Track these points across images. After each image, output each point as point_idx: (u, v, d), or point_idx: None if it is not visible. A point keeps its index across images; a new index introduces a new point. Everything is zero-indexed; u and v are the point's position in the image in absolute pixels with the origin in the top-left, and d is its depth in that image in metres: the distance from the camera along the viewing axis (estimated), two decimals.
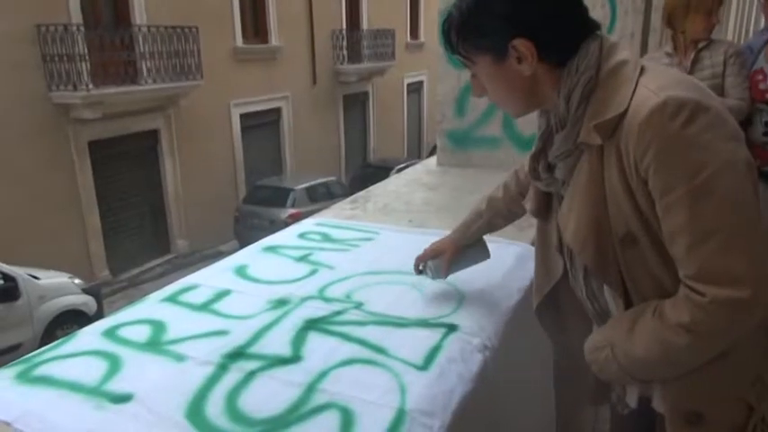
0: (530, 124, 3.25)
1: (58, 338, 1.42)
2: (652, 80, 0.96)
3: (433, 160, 3.55)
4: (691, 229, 0.90)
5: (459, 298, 1.60)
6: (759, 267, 0.89)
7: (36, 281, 7.31)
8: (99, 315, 7.74)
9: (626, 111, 0.95)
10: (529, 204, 1.27)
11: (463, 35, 1.07)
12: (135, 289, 10.64)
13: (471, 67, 1.11)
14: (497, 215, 1.55)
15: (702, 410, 1.05)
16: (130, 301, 1.65)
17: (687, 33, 2.78)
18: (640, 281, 1.03)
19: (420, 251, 1.65)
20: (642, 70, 0.98)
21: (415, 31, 20.85)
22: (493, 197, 1.55)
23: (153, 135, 11.88)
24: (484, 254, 1.65)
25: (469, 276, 1.72)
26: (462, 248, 1.60)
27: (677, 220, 0.91)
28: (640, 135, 0.92)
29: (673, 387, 1.07)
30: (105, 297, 9.25)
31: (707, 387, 1.03)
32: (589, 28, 1.04)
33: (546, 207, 1.23)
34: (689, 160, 0.89)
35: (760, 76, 2.70)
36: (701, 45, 2.80)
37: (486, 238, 1.70)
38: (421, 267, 1.65)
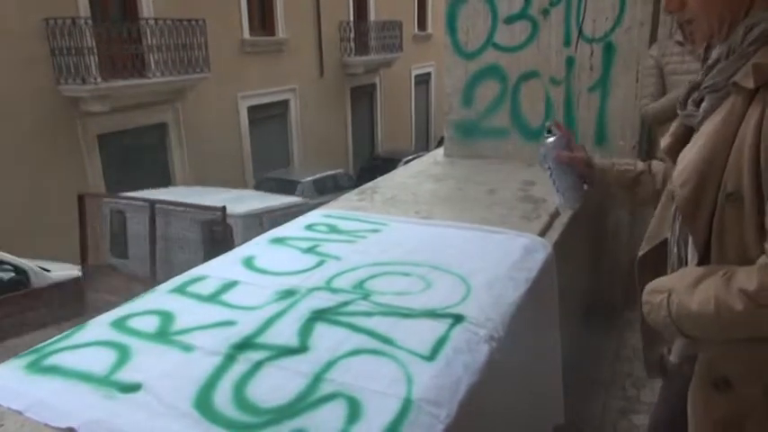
0: (537, 116, 3.25)
1: None
2: None
3: (440, 151, 3.54)
4: None
5: (465, 289, 1.59)
6: None
7: (47, 273, 7.38)
8: None
9: None
10: (665, 140, 1.21)
11: None
12: None
13: None
14: (644, 183, 1.45)
15: (731, 376, 1.05)
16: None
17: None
18: (727, 242, 1.01)
19: (427, 243, 1.64)
20: None
21: (422, 23, 20.75)
22: (657, 163, 1.45)
23: (161, 128, 11.93)
24: (577, 195, 1.53)
25: (476, 267, 1.72)
26: (581, 170, 1.51)
27: None
28: None
29: (708, 352, 1.08)
30: None
31: (741, 356, 1.04)
32: None
33: (680, 146, 1.15)
34: None
35: None
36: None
37: (493, 229, 1.70)
38: (551, 128, 1.54)
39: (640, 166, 1.47)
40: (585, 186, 1.56)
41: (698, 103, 1.09)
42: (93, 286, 7.18)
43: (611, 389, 2.62)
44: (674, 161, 1.15)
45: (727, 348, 1.05)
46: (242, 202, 7.57)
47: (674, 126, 1.20)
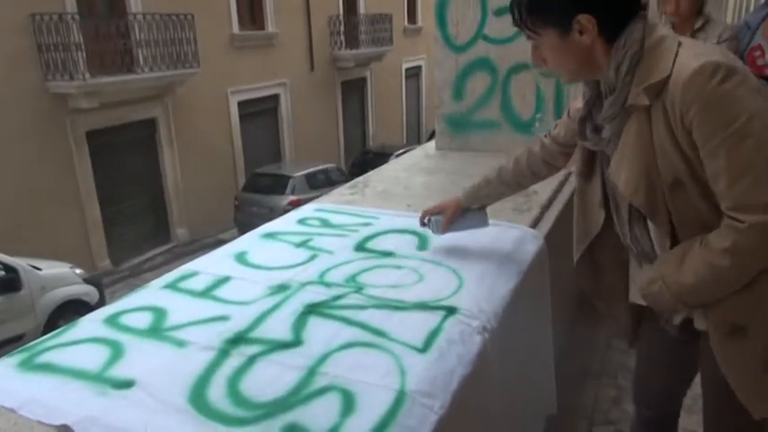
0: (527, 108, 3.25)
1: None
2: (689, 50, 1.13)
3: (431, 145, 3.54)
4: (730, 168, 1.07)
5: (458, 281, 1.60)
6: None
7: (37, 271, 7.32)
8: (101, 305, 7.68)
9: (669, 75, 1.11)
10: (574, 166, 1.43)
11: (531, 12, 1.23)
12: (136, 278, 10.66)
13: (535, 39, 1.26)
14: (504, 184, 1.71)
15: (745, 323, 1.17)
16: (131, 290, 1.66)
17: (667, 15, 2.81)
18: (686, 220, 1.19)
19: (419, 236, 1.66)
20: (680, 43, 1.15)
21: (412, 16, 20.69)
22: (504, 168, 1.70)
23: (151, 124, 11.85)
24: (482, 221, 1.77)
25: (469, 259, 1.73)
26: (465, 211, 1.75)
27: (719, 163, 1.07)
28: (684, 93, 1.08)
29: (717, 304, 1.19)
30: (107, 287, 9.28)
31: (750, 302, 1.16)
32: (637, 7, 1.19)
33: (589, 167, 1.39)
34: (725, 112, 1.06)
35: (758, 53, 2.68)
36: (696, 26, 2.78)
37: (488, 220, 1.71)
38: (426, 221, 1.82)
39: (493, 174, 1.71)
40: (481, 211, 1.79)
41: (596, 131, 1.30)
42: None
43: (604, 378, 2.64)
44: (586, 180, 1.40)
45: (726, 300, 1.17)
46: None
47: (577, 154, 1.43)
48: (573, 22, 1.17)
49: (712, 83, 1.06)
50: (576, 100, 1.43)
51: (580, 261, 1.48)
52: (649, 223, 1.26)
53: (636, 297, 1.41)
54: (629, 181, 1.21)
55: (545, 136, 1.63)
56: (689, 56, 1.10)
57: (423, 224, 1.82)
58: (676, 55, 1.12)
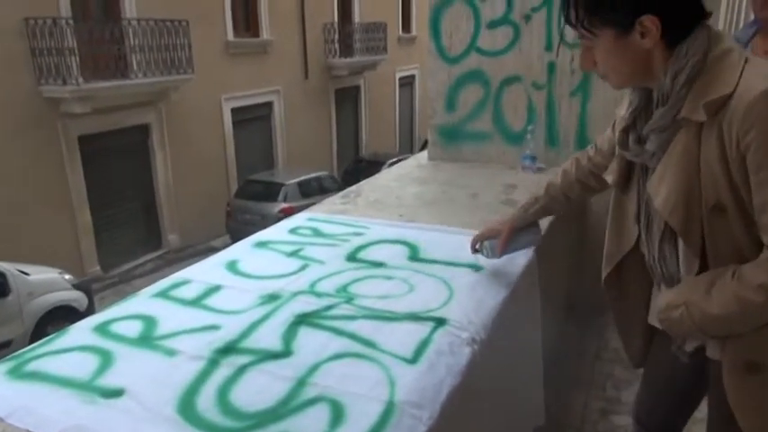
0: (519, 120, 3.29)
1: (48, 335, 1.42)
2: (757, 69, 1.06)
3: (424, 154, 3.56)
4: None
5: (448, 292, 1.61)
6: None
7: (26, 276, 7.26)
8: (90, 311, 7.71)
9: (732, 93, 1.04)
10: (611, 176, 1.36)
11: (591, 9, 1.13)
12: (126, 285, 10.59)
13: (590, 39, 1.17)
14: (554, 200, 1.66)
15: (762, 360, 1.15)
16: (121, 296, 1.65)
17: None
18: (721, 247, 1.14)
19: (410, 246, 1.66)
20: (746, 60, 1.08)
21: (407, 25, 20.78)
22: (551, 183, 1.65)
23: (144, 129, 11.81)
24: (537, 238, 1.76)
25: (459, 271, 1.74)
26: (517, 231, 1.71)
27: None
28: (746, 114, 1.02)
29: (735, 339, 1.16)
30: (96, 293, 9.21)
31: (764, 339, 1.13)
32: (703, 14, 1.12)
33: (626, 178, 1.32)
34: None
35: None
36: None
37: (476, 232, 1.72)
38: (477, 247, 1.76)
39: (541, 191, 1.67)
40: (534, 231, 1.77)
41: (639, 142, 1.23)
42: None
43: (592, 390, 2.66)
44: (623, 192, 1.34)
45: (744, 335, 1.15)
46: None
47: (614, 163, 1.35)
48: (636, 23, 1.09)
49: None
50: (620, 107, 1.35)
51: (608, 279, 1.43)
52: (679, 244, 1.21)
53: (652, 319, 1.38)
54: (669, 198, 1.15)
55: (590, 147, 1.58)
56: (756, 76, 1.04)
57: (474, 251, 1.77)
58: (742, 72, 1.05)
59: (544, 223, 2.22)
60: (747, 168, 1.04)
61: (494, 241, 1.70)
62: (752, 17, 2.73)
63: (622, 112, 1.31)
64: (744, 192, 1.07)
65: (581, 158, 1.59)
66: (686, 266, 1.21)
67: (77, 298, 7.86)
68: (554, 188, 1.64)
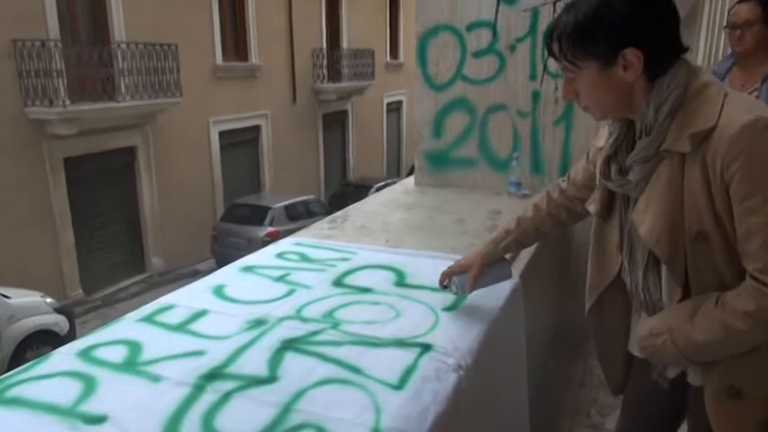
0: (504, 147, 3.33)
1: (28, 359, 1.41)
2: (737, 103, 1.10)
3: (411, 180, 3.60)
4: (766, 229, 1.04)
5: (434, 318, 1.62)
6: None
7: (6, 300, 7.14)
8: (71, 335, 7.58)
9: (715, 126, 1.08)
10: (593, 206, 1.38)
11: (574, 42, 1.16)
12: (109, 308, 10.45)
13: (573, 72, 1.19)
14: (525, 234, 1.65)
15: (743, 387, 1.17)
16: (104, 320, 1.64)
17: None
18: (703, 274, 1.16)
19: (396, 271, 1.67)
20: (726, 94, 1.12)
21: (394, 51, 21.06)
22: (522, 217, 1.65)
23: (130, 152, 11.77)
24: (507, 273, 1.72)
25: (445, 296, 1.75)
26: (487, 266, 1.66)
27: (755, 221, 1.05)
28: (730, 146, 1.05)
29: (716, 365, 1.19)
30: (78, 316, 9.07)
31: (749, 366, 1.16)
32: (681, 49, 1.16)
33: (608, 208, 1.34)
34: None
35: None
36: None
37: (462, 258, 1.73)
38: (446, 283, 1.70)
39: (512, 224, 1.66)
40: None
41: (621, 172, 1.25)
42: None
43: (577, 417, 2.66)
44: (604, 221, 1.36)
45: (725, 362, 1.17)
46: None
47: (596, 194, 1.36)
48: (618, 56, 1.12)
49: (762, 139, 1.04)
50: (598, 138, 1.37)
51: (591, 309, 1.44)
52: (663, 272, 1.23)
53: (632, 347, 1.39)
54: (654, 227, 1.17)
55: (562, 180, 1.58)
56: (738, 109, 1.08)
57: (443, 287, 1.70)
58: (723, 105, 1.09)
59: (530, 249, 2.25)
60: (731, 198, 1.07)
61: (463, 276, 1.65)
62: (729, 51, 2.81)
63: (600, 142, 1.33)
64: (726, 220, 1.09)
65: (552, 192, 1.60)
66: (668, 293, 1.23)
67: (58, 322, 7.73)
68: (525, 222, 1.64)
